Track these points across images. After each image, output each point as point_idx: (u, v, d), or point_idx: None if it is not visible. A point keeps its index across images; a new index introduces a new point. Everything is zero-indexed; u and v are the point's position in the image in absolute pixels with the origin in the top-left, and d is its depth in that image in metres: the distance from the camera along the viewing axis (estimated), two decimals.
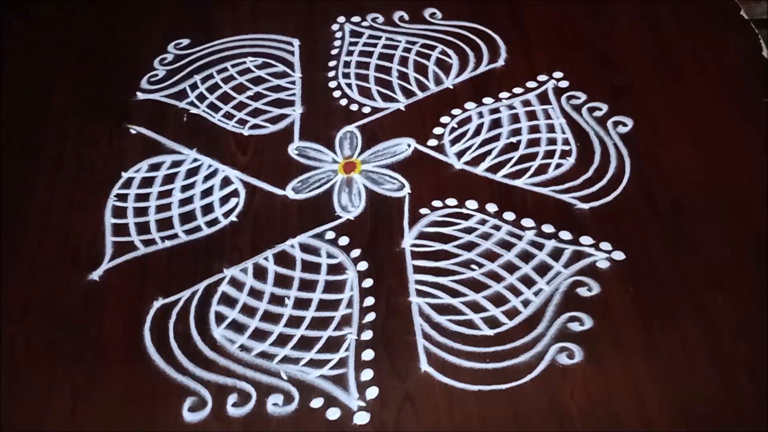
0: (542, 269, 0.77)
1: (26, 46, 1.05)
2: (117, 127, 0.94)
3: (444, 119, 0.91)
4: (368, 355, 0.73)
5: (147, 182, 0.89)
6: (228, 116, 0.94)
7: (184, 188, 0.88)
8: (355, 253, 0.80)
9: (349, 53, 1.00)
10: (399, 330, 0.74)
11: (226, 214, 0.85)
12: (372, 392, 0.70)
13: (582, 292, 0.75)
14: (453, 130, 0.90)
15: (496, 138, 0.89)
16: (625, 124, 0.88)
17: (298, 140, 0.91)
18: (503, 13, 1.02)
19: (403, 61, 0.98)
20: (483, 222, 0.81)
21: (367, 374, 0.71)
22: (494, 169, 0.86)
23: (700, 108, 0.89)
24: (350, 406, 0.70)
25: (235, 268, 0.80)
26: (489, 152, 0.87)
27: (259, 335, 0.75)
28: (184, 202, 0.86)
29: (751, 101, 0.89)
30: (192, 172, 0.89)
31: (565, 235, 0.79)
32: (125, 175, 0.89)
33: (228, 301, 0.78)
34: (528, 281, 0.76)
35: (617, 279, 0.75)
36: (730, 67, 0.93)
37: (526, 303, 0.75)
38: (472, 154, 0.87)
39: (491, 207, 0.82)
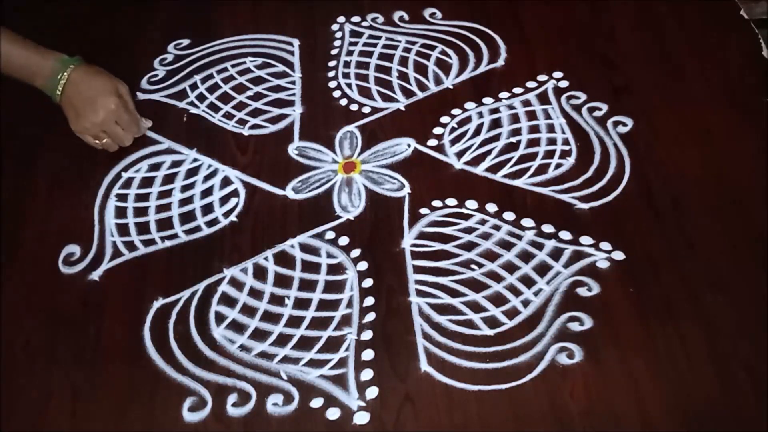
0: (542, 269, 0.77)
1: None
2: None
3: (444, 119, 0.91)
4: (368, 355, 0.73)
5: (147, 182, 0.89)
6: (228, 116, 0.94)
7: (184, 188, 0.88)
8: (355, 253, 0.80)
9: (349, 53, 1.00)
10: (399, 330, 0.74)
11: (226, 214, 0.85)
12: (372, 392, 0.70)
13: (582, 292, 0.75)
14: (453, 130, 0.90)
15: (496, 138, 0.89)
16: (625, 124, 0.88)
17: (298, 140, 0.91)
18: (503, 13, 1.02)
19: (403, 61, 0.98)
20: (483, 222, 0.81)
21: (367, 374, 0.71)
22: (494, 169, 0.86)
23: (700, 108, 0.89)
24: (350, 406, 0.70)
25: (235, 268, 0.80)
26: (489, 152, 0.87)
27: (259, 335, 0.75)
28: (184, 202, 0.86)
29: (751, 101, 0.89)
30: (192, 172, 0.89)
31: (565, 235, 0.79)
32: (125, 175, 0.89)
33: (228, 301, 0.78)
34: (528, 281, 0.76)
35: (617, 279, 0.75)
36: (730, 67, 0.93)
37: (526, 303, 0.75)
38: (472, 154, 0.87)
39: (491, 207, 0.82)
